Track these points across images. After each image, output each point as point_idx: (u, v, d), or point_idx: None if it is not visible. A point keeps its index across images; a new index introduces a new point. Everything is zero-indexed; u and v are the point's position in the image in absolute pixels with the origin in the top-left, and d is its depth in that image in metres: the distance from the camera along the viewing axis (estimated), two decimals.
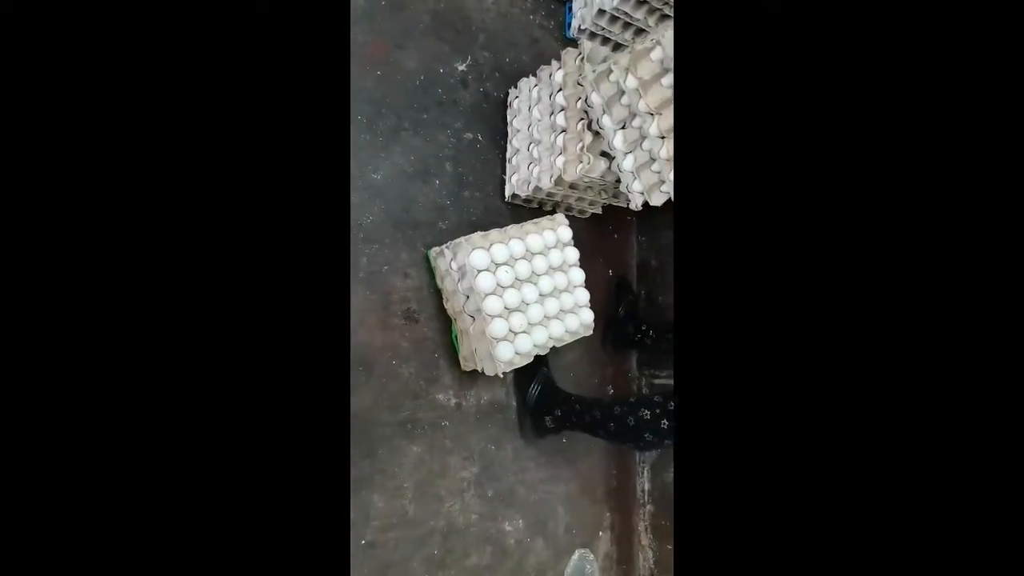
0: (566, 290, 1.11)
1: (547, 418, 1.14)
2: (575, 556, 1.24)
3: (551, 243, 1.10)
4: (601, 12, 1.26)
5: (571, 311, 1.12)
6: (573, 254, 1.13)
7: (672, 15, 1.26)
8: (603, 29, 1.30)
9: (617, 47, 1.37)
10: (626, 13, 1.25)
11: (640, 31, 1.32)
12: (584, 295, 1.14)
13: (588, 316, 1.14)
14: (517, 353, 1.02)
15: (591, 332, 1.16)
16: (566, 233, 1.13)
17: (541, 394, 1.14)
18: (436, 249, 1.10)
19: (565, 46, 1.37)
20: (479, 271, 1.00)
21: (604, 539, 1.32)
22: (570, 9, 1.36)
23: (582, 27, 1.33)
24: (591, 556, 1.25)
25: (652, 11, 1.26)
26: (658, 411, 0.94)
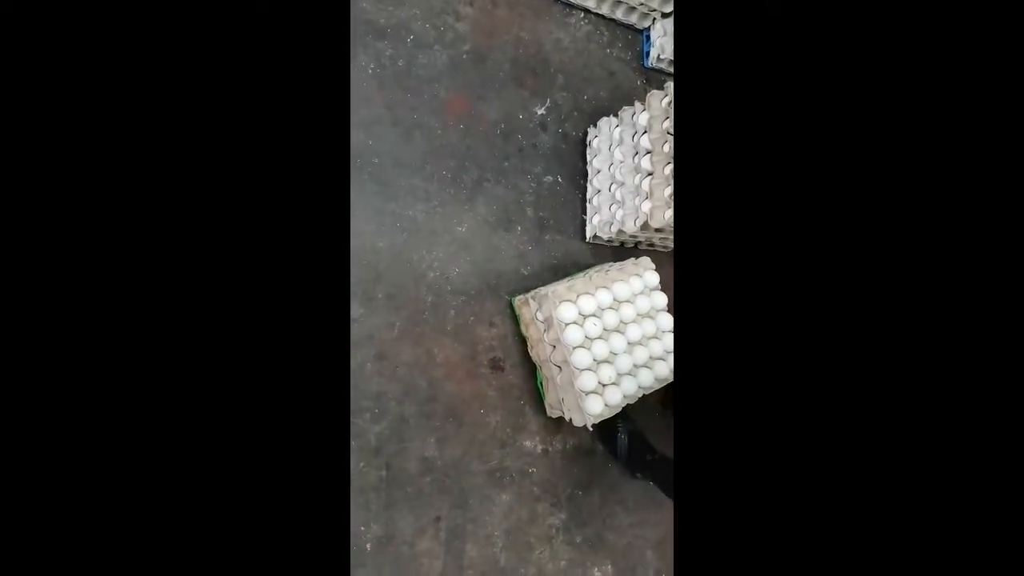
0: (655, 336, 1.09)
1: (638, 474, 1.13)
2: None
3: (638, 290, 1.08)
4: None
5: (660, 358, 1.09)
6: (661, 299, 1.10)
7: None
8: None
9: None
10: None
11: None
12: (672, 341, 1.11)
13: None
14: (607, 405, 1.01)
15: None
16: (653, 278, 1.10)
17: (630, 446, 1.12)
18: (520, 297, 1.10)
19: (644, 76, 1.34)
20: (567, 324, 1.00)
21: None
22: (648, 38, 1.32)
23: (661, 56, 1.29)
24: None
25: None
26: None
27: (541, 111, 1.22)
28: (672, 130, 0.97)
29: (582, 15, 1.29)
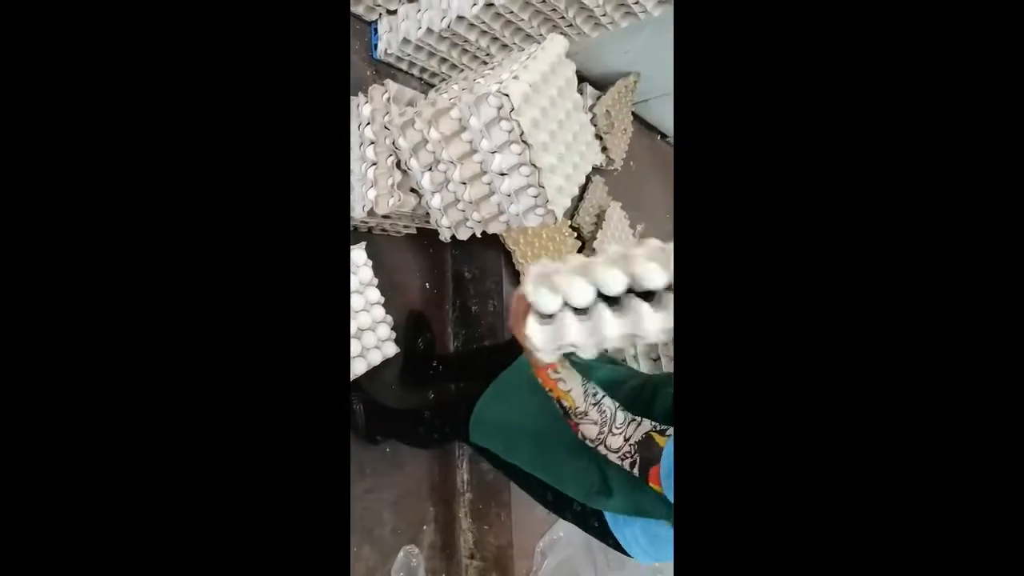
0: (363, 309, 1.16)
1: (378, 437, 1.22)
2: (400, 554, 1.34)
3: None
4: (407, 41, 1.31)
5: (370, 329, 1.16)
6: (367, 273, 1.17)
7: (476, 54, 1.36)
8: (409, 55, 1.36)
9: (430, 74, 1.43)
10: (431, 45, 1.31)
11: (445, 62, 1.40)
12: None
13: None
14: None
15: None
16: (360, 256, 1.16)
17: (366, 415, 1.20)
18: None
19: (374, 67, 1.40)
20: None
21: (428, 532, 1.44)
22: (376, 31, 1.38)
23: (388, 51, 1.36)
24: (416, 550, 1.37)
25: (454, 45, 1.35)
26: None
27: None
28: (389, 123, 1.05)
29: None
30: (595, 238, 1.69)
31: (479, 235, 1.08)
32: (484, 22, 1.22)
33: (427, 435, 1.16)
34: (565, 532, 1.58)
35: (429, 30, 1.26)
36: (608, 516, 0.79)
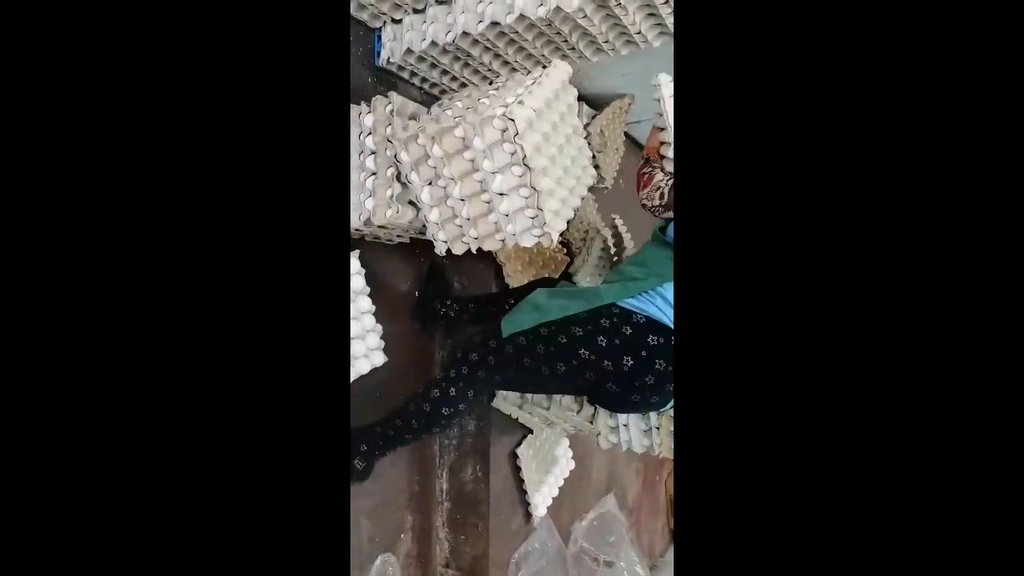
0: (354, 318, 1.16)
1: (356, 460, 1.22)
2: (377, 562, 1.34)
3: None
4: (410, 51, 1.31)
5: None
6: (359, 282, 1.17)
7: (479, 69, 1.38)
8: (411, 65, 1.36)
9: (431, 84, 1.44)
10: (434, 58, 1.32)
11: (447, 74, 1.41)
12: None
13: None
14: None
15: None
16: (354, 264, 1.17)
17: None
18: None
19: (375, 74, 1.40)
20: None
21: (405, 540, 1.45)
22: (379, 38, 1.38)
23: (391, 59, 1.36)
24: (392, 559, 1.37)
25: (457, 59, 1.36)
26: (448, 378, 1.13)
27: None
28: (391, 137, 1.06)
29: None
30: (584, 259, 1.71)
31: (475, 251, 1.10)
32: (489, 40, 1.24)
33: (456, 316, 1.35)
34: (540, 544, 1.60)
35: (434, 43, 1.26)
36: (636, 305, 0.97)
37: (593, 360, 0.97)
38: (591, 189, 1.87)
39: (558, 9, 1.10)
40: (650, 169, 1.03)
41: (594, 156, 1.76)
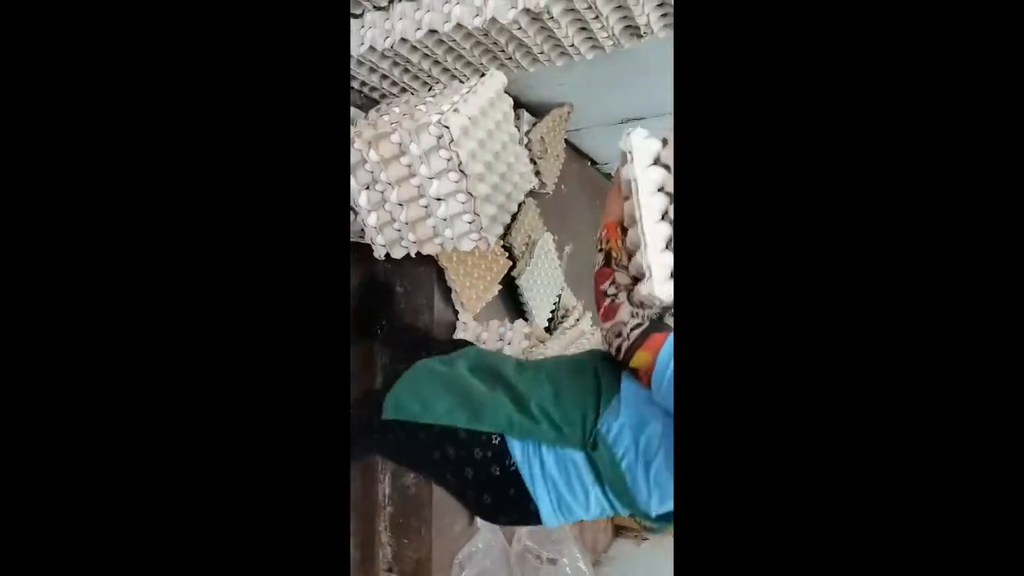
0: None
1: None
2: None
3: None
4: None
5: None
6: None
7: (418, 75, 1.39)
8: (350, 68, 1.36)
9: (370, 88, 1.44)
10: (372, 62, 1.33)
11: (386, 79, 1.42)
12: None
13: None
14: None
15: None
16: None
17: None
18: None
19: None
20: None
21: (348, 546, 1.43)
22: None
23: (374, 47, 1.35)
24: None
25: (396, 64, 1.37)
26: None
27: None
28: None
29: None
30: (526, 263, 1.75)
31: (413, 255, 1.11)
32: (427, 47, 1.26)
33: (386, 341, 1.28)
34: (484, 544, 1.62)
35: (372, 48, 1.27)
36: (518, 450, 0.77)
37: (457, 488, 0.87)
38: (533, 195, 1.92)
39: (494, 20, 1.13)
40: (611, 286, 0.76)
41: (535, 162, 1.80)
